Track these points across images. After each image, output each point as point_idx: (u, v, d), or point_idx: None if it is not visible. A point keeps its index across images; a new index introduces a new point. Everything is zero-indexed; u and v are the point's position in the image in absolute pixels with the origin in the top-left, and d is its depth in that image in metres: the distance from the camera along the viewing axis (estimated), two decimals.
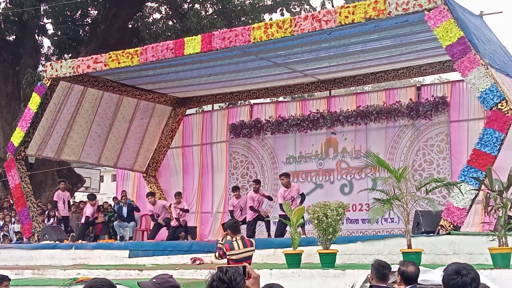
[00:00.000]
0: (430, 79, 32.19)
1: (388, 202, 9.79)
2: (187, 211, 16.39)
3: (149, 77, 16.28)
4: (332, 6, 23.56)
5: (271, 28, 12.44)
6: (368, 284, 7.14)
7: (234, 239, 9.08)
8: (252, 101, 19.16)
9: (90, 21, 25.39)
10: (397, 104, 15.59)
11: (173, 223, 15.95)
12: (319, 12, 12.55)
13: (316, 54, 14.25)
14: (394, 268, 6.42)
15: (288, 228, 11.63)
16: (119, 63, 14.45)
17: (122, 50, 14.72)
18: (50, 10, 24.02)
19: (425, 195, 10.49)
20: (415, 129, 15.40)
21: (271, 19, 25.21)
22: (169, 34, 23.22)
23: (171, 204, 16.62)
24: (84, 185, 25.11)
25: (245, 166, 17.57)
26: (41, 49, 25.36)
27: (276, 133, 17.20)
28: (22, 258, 15.03)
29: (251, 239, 9.65)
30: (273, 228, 15.57)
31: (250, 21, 23.01)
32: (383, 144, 15.73)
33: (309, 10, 24.55)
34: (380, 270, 6.22)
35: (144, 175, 18.92)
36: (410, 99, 15.51)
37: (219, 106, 20.80)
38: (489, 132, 10.28)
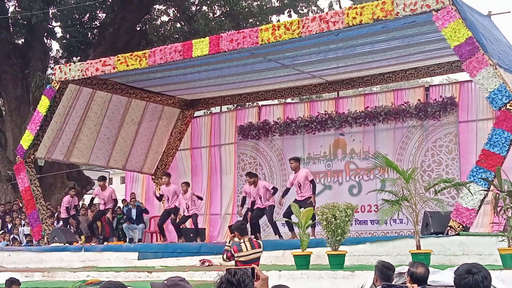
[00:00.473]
0: (439, 79, 32.14)
1: (396, 203, 9.77)
2: (201, 198, 16.23)
3: (157, 79, 16.32)
4: (340, 7, 23.57)
5: (278, 29, 12.46)
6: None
7: (241, 240, 9.08)
8: (260, 103, 19.18)
9: (98, 24, 25.46)
10: (405, 104, 15.56)
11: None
12: (327, 13, 12.55)
13: (324, 55, 14.25)
14: (404, 269, 6.42)
15: (296, 229, 11.63)
16: (127, 65, 14.49)
17: (131, 53, 14.78)
18: (58, 13, 24.11)
19: (434, 196, 10.47)
20: (423, 129, 15.37)
21: (278, 20, 25.27)
22: (177, 36, 23.28)
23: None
24: (93, 188, 25.17)
25: (253, 167, 17.56)
26: (50, 52, 25.46)
27: (284, 134, 17.19)
28: (32, 260, 15.09)
29: (259, 241, 9.66)
30: (281, 230, 15.58)
31: (257, 23, 23.03)
32: (391, 145, 15.70)
33: (317, 12, 24.56)
34: (384, 271, 6.23)
35: (153, 177, 18.96)
36: (419, 100, 15.48)
37: (227, 108, 20.82)
38: (498, 132, 10.25)
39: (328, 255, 10.10)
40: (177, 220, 15.74)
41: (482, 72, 10.41)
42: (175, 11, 25.97)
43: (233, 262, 9.03)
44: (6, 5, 23.65)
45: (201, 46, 13.43)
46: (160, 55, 13.99)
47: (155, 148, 18.79)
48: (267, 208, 14.18)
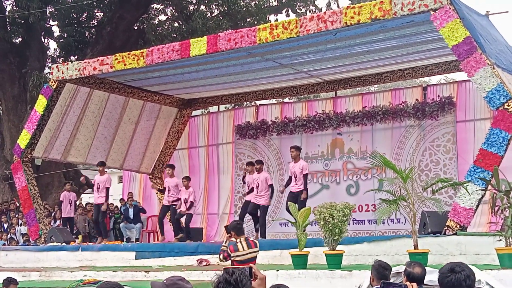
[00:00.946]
0: (436, 79, 32.12)
1: (394, 203, 9.78)
2: (191, 204, 15.45)
3: (155, 78, 16.31)
4: (338, 6, 23.57)
5: (276, 29, 12.45)
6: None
7: (238, 240, 9.08)
8: (258, 102, 19.16)
9: (96, 23, 25.44)
10: (403, 104, 15.57)
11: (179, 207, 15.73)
12: (325, 13, 12.56)
13: (321, 54, 14.24)
14: (401, 269, 6.42)
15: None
16: (125, 65, 14.48)
17: (128, 52, 14.75)
18: (56, 12, 24.08)
19: (432, 196, 10.48)
20: (421, 129, 15.37)
21: (276, 20, 25.21)
22: (175, 35, 23.26)
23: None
24: (91, 188, 25.14)
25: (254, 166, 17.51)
26: (47, 51, 25.40)
27: (282, 134, 17.19)
28: (29, 260, 15.08)
29: (255, 240, 9.65)
30: (277, 229, 15.60)
31: (255, 22, 23.01)
32: (389, 145, 15.70)
33: (315, 11, 24.55)
34: (381, 271, 6.23)
35: (150, 176, 18.94)
36: (416, 100, 15.48)
37: (225, 107, 20.82)
38: (495, 132, 10.25)
39: (325, 254, 10.10)
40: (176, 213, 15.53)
41: (480, 71, 10.41)
42: (173, 10, 25.95)
43: (229, 262, 9.03)
44: (4, 4, 23.61)
45: (199, 46, 13.42)
46: (157, 54, 13.98)
47: (152, 147, 18.77)
48: (261, 206, 14.16)
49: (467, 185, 10.03)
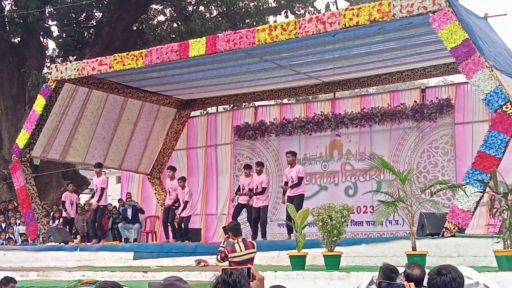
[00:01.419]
0: (435, 81, 32.13)
1: (392, 204, 9.79)
2: (185, 204, 15.27)
3: (153, 79, 16.31)
4: (337, 8, 23.60)
5: (275, 30, 12.46)
6: (373, 287, 7.14)
7: (235, 241, 9.08)
8: (257, 103, 19.17)
9: (95, 23, 25.44)
10: (401, 106, 15.58)
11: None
12: (324, 14, 12.55)
13: (320, 56, 14.25)
14: (401, 270, 6.42)
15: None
16: (123, 65, 14.48)
17: (127, 52, 14.76)
18: (55, 12, 24.08)
19: (430, 197, 10.48)
20: (419, 131, 15.39)
21: (275, 21, 25.26)
22: (174, 36, 23.26)
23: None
24: (89, 187, 25.14)
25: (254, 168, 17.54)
26: (46, 51, 25.41)
27: (281, 135, 17.20)
28: (27, 260, 15.07)
29: (253, 241, 9.65)
30: (275, 230, 15.58)
31: (254, 23, 23.03)
32: (387, 146, 15.71)
33: (314, 12, 24.57)
34: (388, 273, 6.23)
35: (149, 177, 18.94)
36: (415, 101, 15.49)
37: (224, 108, 20.82)
38: (493, 134, 10.26)
39: (323, 256, 10.10)
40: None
41: (478, 74, 10.42)
42: (172, 11, 25.95)
43: (227, 263, 9.02)
44: (3, 4, 23.59)
45: (197, 46, 13.43)
46: (156, 54, 13.98)
47: (151, 148, 18.77)
48: (261, 207, 14.21)
49: (465, 187, 10.05)
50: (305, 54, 14.11)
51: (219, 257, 9.15)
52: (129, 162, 18.52)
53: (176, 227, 15.40)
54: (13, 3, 23.46)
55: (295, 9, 25.36)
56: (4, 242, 17.99)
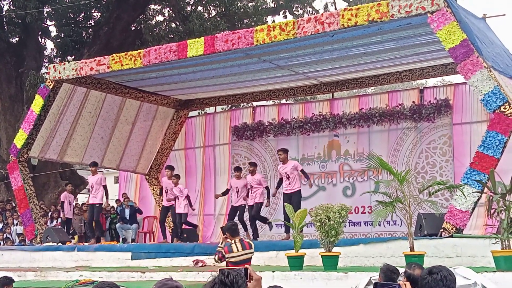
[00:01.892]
0: (433, 81, 32.13)
1: (390, 205, 9.78)
2: (191, 206, 15.68)
3: (152, 79, 16.30)
4: (335, 8, 23.59)
5: (274, 30, 12.45)
6: (371, 287, 7.13)
7: (232, 241, 9.08)
8: (255, 104, 19.16)
9: (93, 23, 25.41)
10: (399, 106, 15.58)
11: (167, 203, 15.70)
12: (322, 14, 12.54)
13: (319, 56, 14.25)
14: (400, 270, 6.42)
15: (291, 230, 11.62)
16: (122, 65, 14.47)
17: (125, 52, 14.75)
18: (53, 12, 24.05)
19: (428, 198, 10.47)
20: (418, 131, 15.39)
21: (274, 21, 25.27)
22: (172, 36, 23.24)
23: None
24: (86, 187, 25.11)
25: (247, 168, 17.53)
26: (44, 51, 25.37)
27: (279, 135, 17.19)
28: (24, 260, 15.05)
29: (250, 242, 9.64)
30: (273, 231, 15.56)
31: (253, 24, 23.02)
32: (385, 147, 15.71)
33: (312, 13, 24.56)
34: (389, 274, 6.23)
35: (147, 177, 18.93)
36: (413, 102, 15.49)
37: (222, 109, 20.82)
38: (492, 134, 10.27)
39: (321, 256, 10.10)
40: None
41: (476, 74, 10.42)
42: (170, 11, 25.93)
43: (224, 263, 9.02)
44: (1, 4, 23.58)
45: (196, 46, 13.41)
46: (155, 55, 13.97)
47: (149, 148, 18.76)
48: (253, 204, 14.28)
49: (463, 188, 10.04)
50: (303, 54, 14.10)
51: (216, 258, 9.17)
52: (127, 162, 18.50)
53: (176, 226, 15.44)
54: (11, 3, 23.43)
55: (293, 10, 25.37)
56: (2, 242, 17.97)
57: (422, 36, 12.57)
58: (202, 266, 12.05)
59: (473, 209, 10.33)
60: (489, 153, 10.19)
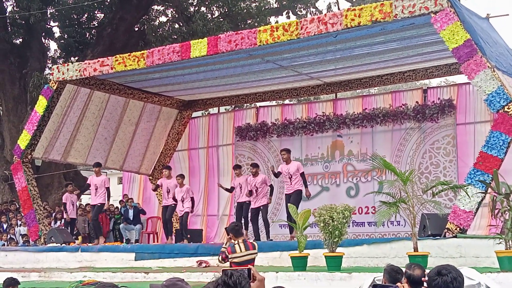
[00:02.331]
0: (437, 81, 32.13)
1: (394, 205, 9.78)
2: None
3: (155, 80, 16.31)
4: (338, 9, 23.59)
5: (277, 31, 12.45)
6: None
7: (236, 242, 9.07)
8: (258, 104, 19.16)
9: (96, 24, 25.45)
10: (403, 106, 15.56)
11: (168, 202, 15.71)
12: (325, 15, 12.53)
13: (322, 57, 14.24)
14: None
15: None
16: (125, 66, 14.48)
17: (129, 53, 14.77)
18: (56, 13, 24.09)
19: (432, 198, 10.47)
20: (421, 131, 15.37)
21: (277, 22, 25.29)
22: (175, 37, 23.25)
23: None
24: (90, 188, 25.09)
25: (249, 170, 17.52)
26: (48, 52, 25.42)
27: (282, 136, 17.18)
28: (28, 260, 15.07)
29: (254, 242, 9.63)
30: (277, 231, 15.56)
31: (256, 24, 23.02)
32: (389, 147, 15.70)
33: (315, 13, 24.56)
34: (393, 275, 6.22)
35: (150, 177, 18.93)
36: (417, 102, 15.48)
37: (225, 109, 20.81)
38: (495, 135, 10.25)
39: (325, 256, 10.09)
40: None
41: (480, 74, 10.41)
42: (174, 12, 25.95)
43: (228, 264, 9.02)
44: (4, 5, 23.62)
45: (199, 47, 13.42)
46: (158, 55, 13.98)
47: (152, 148, 18.77)
48: (261, 207, 14.26)
49: (467, 188, 10.03)
50: (306, 54, 14.10)
51: (220, 258, 9.16)
52: (131, 163, 18.51)
53: (178, 226, 15.44)
54: (15, 4, 23.50)
55: (296, 10, 25.38)
56: (6, 243, 17.98)
57: (426, 36, 12.55)
58: (205, 266, 12.06)
59: (477, 209, 10.32)
60: (493, 153, 10.18)
